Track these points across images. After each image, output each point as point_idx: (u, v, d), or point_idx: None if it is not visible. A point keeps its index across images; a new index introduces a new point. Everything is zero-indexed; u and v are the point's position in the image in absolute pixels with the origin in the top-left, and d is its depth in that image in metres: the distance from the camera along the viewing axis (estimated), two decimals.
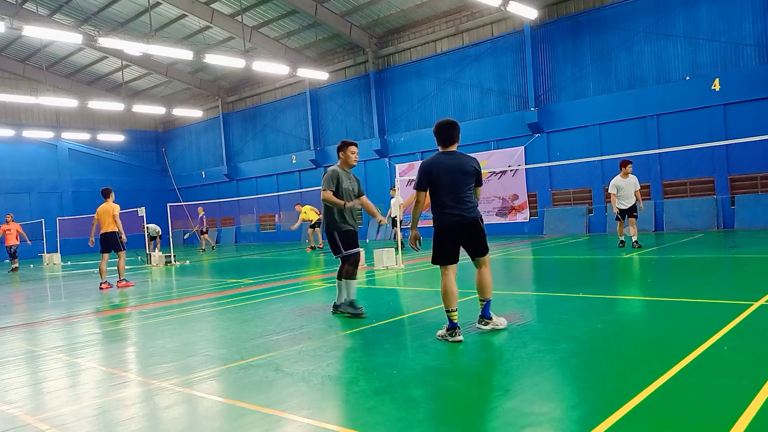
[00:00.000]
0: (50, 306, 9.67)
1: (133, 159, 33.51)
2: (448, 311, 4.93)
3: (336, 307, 6.68)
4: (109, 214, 11.45)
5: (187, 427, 3.42)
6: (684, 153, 15.59)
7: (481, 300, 5.21)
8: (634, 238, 11.75)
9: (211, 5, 21.61)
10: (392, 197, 16.24)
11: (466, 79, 20.95)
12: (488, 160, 20.03)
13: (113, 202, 11.66)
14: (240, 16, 21.86)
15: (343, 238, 6.44)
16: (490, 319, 5.21)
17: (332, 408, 3.59)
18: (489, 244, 5.27)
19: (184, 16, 22.40)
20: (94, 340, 6.30)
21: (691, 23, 16.27)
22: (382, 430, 3.09)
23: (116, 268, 11.80)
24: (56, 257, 22.19)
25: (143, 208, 17.38)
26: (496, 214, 20.39)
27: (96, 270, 15.77)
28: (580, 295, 6.80)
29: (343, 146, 6.59)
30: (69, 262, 21.80)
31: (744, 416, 2.86)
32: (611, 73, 17.74)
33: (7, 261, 20.01)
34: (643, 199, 12.17)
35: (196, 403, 3.82)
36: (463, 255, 5.17)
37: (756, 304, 5.45)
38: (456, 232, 5.01)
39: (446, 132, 5.08)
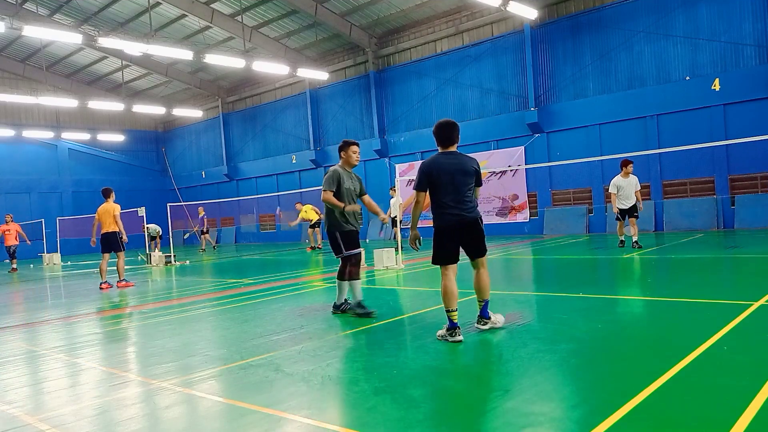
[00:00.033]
0: (50, 306, 9.67)
1: (133, 159, 33.51)
2: (448, 311, 4.93)
3: (336, 307, 6.68)
4: (110, 214, 11.45)
5: (187, 427, 3.42)
6: (684, 153, 15.59)
7: (479, 301, 5.24)
8: (634, 238, 11.74)
9: (211, 5, 21.61)
10: (392, 197, 16.25)
11: (466, 79, 20.95)
12: (488, 160, 20.03)
13: (114, 202, 11.67)
14: (240, 16, 21.87)
15: (344, 238, 6.43)
16: (489, 318, 5.23)
17: (332, 408, 3.59)
18: (489, 244, 5.28)
19: (184, 16, 22.40)
20: (94, 340, 6.30)
21: (691, 23, 16.27)
22: (382, 430, 3.09)
23: (116, 268, 11.79)
24: (56, 257, 22.19)
25: (143, 208, 17.38)
26: (496, 214, 20.39)
27: (96, 270, 15.78)
28: (580, 295, 6.80)
29: (345, 146, 6.58)
30: (69, 262, 21.80)
31: (744, 416, 2.86)
32: (611, 73, 17.75)
33: (7, 261, 20.00)
34: (643, 199, 12.17)
35: (196, 403, 3.82)
36: (463, 255, 5.18)
37: (756, 304, 5.45)
38: (456, 232, 5.02)
39: (446, 133, 5.09)
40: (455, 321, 4.90)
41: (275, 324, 6.27)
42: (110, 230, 11.46)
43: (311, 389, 3.85)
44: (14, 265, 19.31)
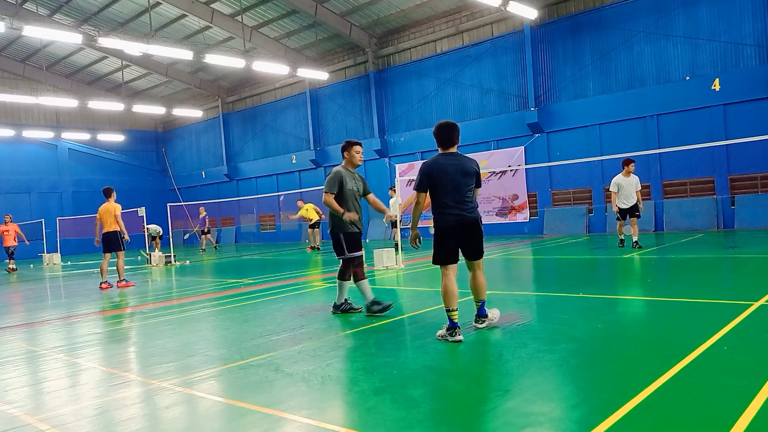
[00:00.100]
0: (50, 306, 9.67)
1: (133, 159, 33.51)
2: (448, 311, 4.94)
3: (336, 307, 6.68)
4: (111, 213, 11.46)
5: (187, 427, 3.42)
6: (684, 153, 15.59)
7: (476, 301, 5.28)
8: (634, 238, 11.73)
9: (211, 5, 21.61)
10: (391, 197, 16.25)
11: (466, 79, 20.95)
12: (488, 160, 20.04)
13: (115, 201, 11.67)
14: (240, 16, 21.87)
15: (348, 240, 6.41)
16: (486, 317, 5.28)
17: (332, 408, 3.59)
18: (488, 244, 5.31)
19: (184, 16, 22.40)
20: (94, 340, 6.30)
21: (691, 23, 16.27)
22: (382, 430, 3.09)
23: (116, 267, 11.79)
24: (56, 257, 22.20)
25: (143, 208, 17.39)
26: (496, 214, 20.39)
27: (96, 270, 15.78)
28: (580, 295, 6.80)
29: (348, 146, 6.55)
30: (69, 262, 21.80)
31: (744, 416, 2.86)
32: (611, 73, 17.75)
33: (6, 261, 20.01)
34: (643, 199, 12.15)
35: (196, 403, 3.82)
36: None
37: (756, 304, 5.45)
38: (456, 232, 5.03)
39: (446, 134, 5.11)
40: (455, 321, 4.91)
41: (275, 324, 6.27)
42: (111, 230, 11.47)
43: (311, 389, 3.85)
44: (12, 266, 19.30)
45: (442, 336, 4.95)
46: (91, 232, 11.93)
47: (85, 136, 30.25)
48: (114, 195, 11.70)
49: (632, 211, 11.73)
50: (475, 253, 5.15)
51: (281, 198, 27.12)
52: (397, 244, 11.81)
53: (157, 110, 27.05)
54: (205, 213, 23.68)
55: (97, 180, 30.38)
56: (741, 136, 13.99)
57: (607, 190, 14.80)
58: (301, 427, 3.22)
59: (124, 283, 11.49)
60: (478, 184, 5.18)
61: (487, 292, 5.39)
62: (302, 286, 9.75)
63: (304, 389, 3.85)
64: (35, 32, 16.48)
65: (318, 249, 18.49)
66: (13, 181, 28.96)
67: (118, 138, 31.57)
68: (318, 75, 22.51)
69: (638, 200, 11.72)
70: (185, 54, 18.90)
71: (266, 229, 29.04)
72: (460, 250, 5.15)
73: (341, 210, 6.28)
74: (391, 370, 4.16)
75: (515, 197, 20.01)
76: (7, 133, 27.30)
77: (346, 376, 4.20)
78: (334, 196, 6.32)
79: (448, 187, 4.97)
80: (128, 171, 33.02)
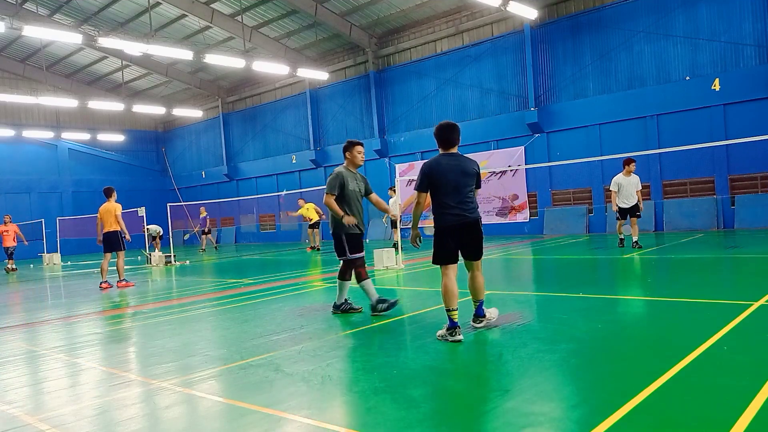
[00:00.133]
0: (50, 306, 9.67)
1: (133, 159, 33.51)
2: (448, 310, 4.94)
3: (336, 306, 6.68)
4: (111, 213, 11.46)
5: (187, 427, 3.42)
6: (684, 153, 15.59)
7: (474, 301, 5.30)
8: (634, 238, 11.72)
9: (211, 5, 21.61)
10: (391, 197, 16.25)
11: (466, 79, 20.95)
12: (488, 160, 20.04)
13: (115, 201, 11.67)
14: (240, 16, 21.87)
15: (350, 241, 6.40)
16: (484, 317, 5.30)
17: (332, 408, 3.58)
18: (488, 244, 5.32)
19: (184, 16, 22.40)
20: (94, 340, 6.30)
21: (691, 23, 16.27)
22: (382, 430, 3.09)
23: (116, 267, 11.79)
24: (56, 257, 22.19)
25: (143, 208, 17.39)
26: (496, 214, 20.39)
27: (96, 270, 15.79)
28: (580, 295, 6.80)
29: (350, 146, 6.54)
30: (69, 262, 21.79)
31: (744, 416, 2.86)
32: (611, 73, 17.75)
33: (6, 261, 20.00)
34: (643, 199, 12.13)
35: (196, 403, 3.82)
36: None
37: (756, 304, 5.45)
38: (456, 232, 5.05)
39: (446, 134, 5.13)
40: (455, 320, 4.91)
41: (275, 324, 6.27)
42: (112, 230, 11.47)
43: (311, 389, 3.85)
44: (11, 266, 19.28)
45: (442, 336, 4.96)
46: (91, 233, 11.94)
47: (85, 136, 30.25)
48: (114, 195, 11.71)
49: (633, 211, 11.71)
50: (474, 254, 5.17)
51: (283, 192, 27.09)
52: (395, 244, 11.81)
53: (157, 110, 27.05)
54: (206, 213, 23.68)
55: (97, 180, 30.38)
56: (741, 136, 13.99)
57: (608, 189, 14.79)
58: (301, 427, 3.22)
59: (124, 283, 11.49)
60: (478, 185, 5.19)
61: (487, 292, 5.40)
62: (302, 286, 9.75)
63: (304, 389, 3.85)
64: (35, 32, 16.48)
65: (318, 249, 18.48)
66: (13, 181, 28.96)
67: (118, 138, 31.57)
68: (318, 75, 22.51)
69: (639, 200, 11.70)
70: (185, 54, 18.90)
71: (266, 229, 29.04)
72: (459, 251, 5.16)
73: (341, 213, 6.28)
74: (391, 370, 4.16)
75: (515, 197, 20.01)
76: (7, 133, 27.30)
77: (346, 376, 4.20)
78: (335, 197, 6.31)
79: (449, 187, 4.98)
80: (128, 171, 33.02)
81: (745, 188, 15.73)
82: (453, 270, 5.06)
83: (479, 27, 20.53)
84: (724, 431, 2.72)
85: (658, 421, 2.91)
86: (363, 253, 6.54)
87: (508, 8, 15.98)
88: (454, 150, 5.16)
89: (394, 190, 14.69)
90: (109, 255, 11.75)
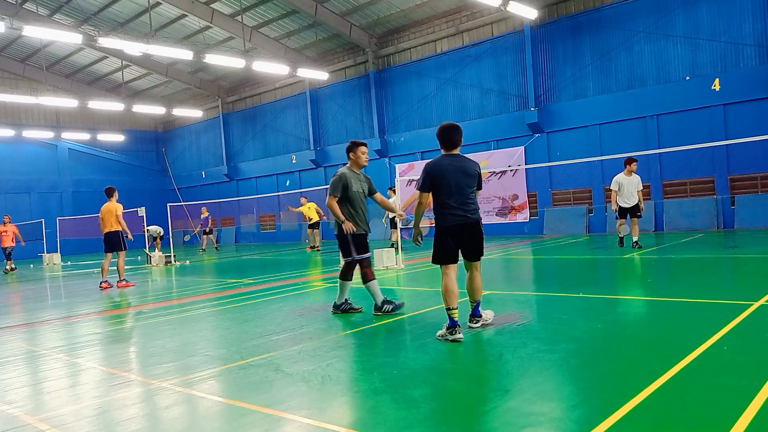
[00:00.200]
0: (50, 306, 9.67)
1: (133, 159, 33.51)
2: (448, 309, 4.96)
3: (336, 306, 6.68)
4: (113, 213, 11.45)
5: (187, 427, 3.42)
6: (684, 153, 15.59)
7: (471, 302, 5.33)
8: (634, 238, 11.71)
9: (211, 5, 21.61)
10: (390, 198, 16.24)
11: (466, 79, 20.95)
12: (488, 160, 20.03)
13: (117, 201, 11.67)
14: (240, 16, 21.86)
15: (356, 241, 6.39)
16: (480, 317, 5.34)
17: (332, 408, 3.58)
18: (488, 244, 5.34)
19: (184, 16, 22.40)
20: (94, 340, 6.30)
21: (691, 23, 16.27)
22: (382, 430, 3.09)
23: (116, 267, 11.79)
24: (56, 257, 22.18)
25: (143, 208, 17.38)
26: (496, 214, 20.39)
27: (95, 270, 15.79)
28: (580, 295, 6.80)
29: (353, 146, 6.51)
30: (69, 262, 21.79)
31: (744, 416, 2.86)
32: (611, 73, 17.75)
33: (5, 262, 19.99)
34: (643, 199, 12.12)
35: (196, 403, 3.82)
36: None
37: (756, 304, 5.45)
38: (457, 233, 5.07)
39: (449, 135, 5.16)
40: (455, 319, 4.92)
41: (275, 324, 6.27)
42: (113, 230, 11.47)
43: (311, 389, 3.85)
44: (10, 266, 19.27)
45: (442, 336, 4.96)
46: (91, 233, 11.96)
47: (85, 136, 30.25)
48: (116, 195, 11.70)
49: (633, 211, 11.69)
50: (475, 254, 5.19)
51: (287, 182, 27.11)
52: (393, 244, 11.81)
53: (157, 110, 27.05)
54: (207, 213, 23.67)
55: (97, 180, 30.38)
56: (741, 136, 13.99)
57: (608, 189, 14.79)
58: (301, 427, 3.22)
59: (124, 283, 11.49)
60: (479, 186, 5.23)
61: (487, 292, 5.42)
62: (302, 286, 9.75)
63: (304, 389, 3.85)
64: (35, 32, 16.48)
65: (318, 249, 18.48)
66: (13, 181, 28.96)
67: (118, 138, 31.57)
68: (318, 75, 22.51)
69: (639, 200, 11.68)
70: (185, 54, 18.90)
71: (266, 229, 29.04)
72: (460, 250, 5.18)
73: (342, 217, 6.29)
74: (391, 370, 4.16)
75: (515, 197, 20.01)
76: (7, 133, 27.29)
77: (346, 376, 4.20)
78: (337, 199, 6.31)
79: (451, 188, 5.01)
80: (128, 171, 33.01)
81: (745, 188, 15.73)
82: (453, 269, 5.09)
83: (479, 27, 20.53)
84: (724, 431, 2.72)
85: (658, 421, 2.91)
86: (369, 254, 6.54)
87: (508, 8, 15.98)
88: (457, 151, 5.19)
89: (394, 190, 14.69)
90: (110, 255, 11.75)
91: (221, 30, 22.86)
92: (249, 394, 3.84)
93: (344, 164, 6.69)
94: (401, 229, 13.09)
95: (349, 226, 6.28)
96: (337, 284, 6.65)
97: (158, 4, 21.33)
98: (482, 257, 5.28)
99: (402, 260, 11.49)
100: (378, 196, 6.70)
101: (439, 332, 5.03)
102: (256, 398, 3.74)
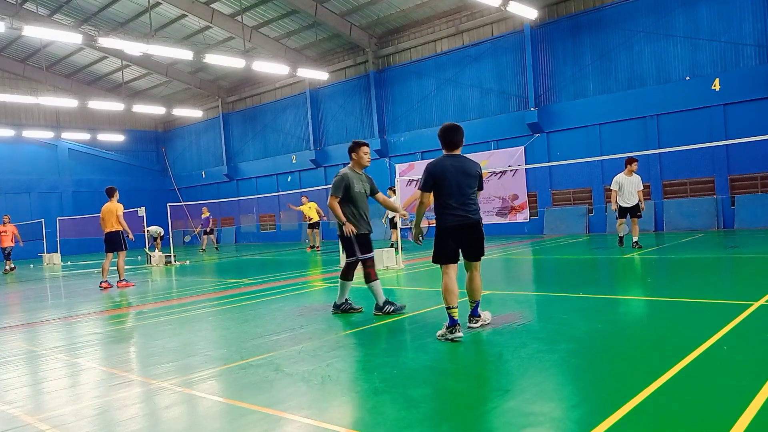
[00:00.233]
0: (50, 306, 9.67)
1: (133, 159, 33.50)
2: (448, 308, 4.96)
3: (336, 306, 6.68)
4: (113, 213, 11.45)
5: (187, 427, 3.42)
6: (684, 153, 15.58)
7: (471, 302, 5.34)
8: (634, 238, 11.71)
9: (211, 5, 21.61)
10: (390, 198, 16.23)
11: (466, 79, 20.95)
12: (488, 160, 20.03)
13: (117, 201, 11.67)
14: (240, 16, 21.86)
15: (359, 241, 6.39)
16: (479, 316, 5.35)
17: (332, 408, 3.58)
18: (488, 244, 5.35)
19: (184, 16, 22.40)
20: (94, 340, 6.30)
21: (691, 23, 16.27)
22: (382, 430, 3.09)
23: (116, 267, 11.79)
24: (56, 257, 22.18)
25: (143, 208, 17.39)
26: (496, 214, 20.39)
27: (95, 270, 15.79)
28: (580, 295, 6.80)
29: (355, 147, 6.50)
30: (69, 262, 21.78)
31: (744, 416, 2.86)
32: (611, 73, 17.74)
33: (4, 262, 19.98)
34: (643, 199, 12.12)
35: (196, 403, 3.82)
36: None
37: (756, 304, 5.45)
38: (458, 233, 5.08)
39: (450, 136, 5.18)
40: (456, 318, 4.93)
41: (275, 324, 6.27)
42: (113, 230, 11.47)
43: (311, 389, 3.85)
44: (9, 266, 19.25)
45: (442, 335, 4.96)
46: (91, 233, 11.96)
47: (85, 136, 30.25)
48: (116, 195, 11.70)
49: (633, 211, 11.68)
50: (475, 255, 5.20)
51: (288, 179, 27.12)
52: (393, 244, 11.81)
53: (157, 110, 27.05)
54: (208, 213, 23.66)
55: (97, 180, 30.38)
56: (741, 136, 13.99)
57: (608, 189, 14.78)
58: (301, 427, 3.22)
59: (124, 283, 11.49)
60: (480, 187, 5.24)
61: (487, 292, 5.43)
62: (302, 286, 9.75)
63: (304, 389, 3.85)
64: (35, 32, 16.49)
65: (318, 249, 18.47)
66: (13, 181, 28.95)
67: (118, 138, 31.57)
68: (318, 75, 22.51)
69: (640, 200, 11.67)
70: (185, 54, 18.90)
71: (266, 229, 29.04)
72: (460, 250, 5.19)
73: (343, 219, 6.29)
74: (391, 370, 4.16)
75: (515, 197, 20.01)
76: (7, 133, 27.29)
77: (346, 376, 4.20)
78: (339, 200, 6.30)
79: (453, 188, 5.03)
80: (128, 171, 33.01)
81: (745, 188, 15.73)
82: (453, 269, 5.10)
83: (479, 27, 20.53)
84: (724, 431, 2.72)
85: (658, 421, 2.91)
86: (373, 253, 6.54)
87: (508, 8, 15.98)
88: (458, 152, 5.21)
89: (394, 191, 14.69)
90: (110, 255, 11.74)
91: (221, 30, 22.86)
92: (249, 394, 3.84)
93: (345, 164, 6.68)
94: (401, 228, 13.09)
95: (349, 228, 6.28)
96: (338, 284, 6.65)
97: (158, 4, 21.33)
98: (482, 257, 5.28)
99: (402, 260, 11.49)
100: (380, 195, 6.69)
101: (439, 332, 5.04)
102: (256, 398, 3.74)
